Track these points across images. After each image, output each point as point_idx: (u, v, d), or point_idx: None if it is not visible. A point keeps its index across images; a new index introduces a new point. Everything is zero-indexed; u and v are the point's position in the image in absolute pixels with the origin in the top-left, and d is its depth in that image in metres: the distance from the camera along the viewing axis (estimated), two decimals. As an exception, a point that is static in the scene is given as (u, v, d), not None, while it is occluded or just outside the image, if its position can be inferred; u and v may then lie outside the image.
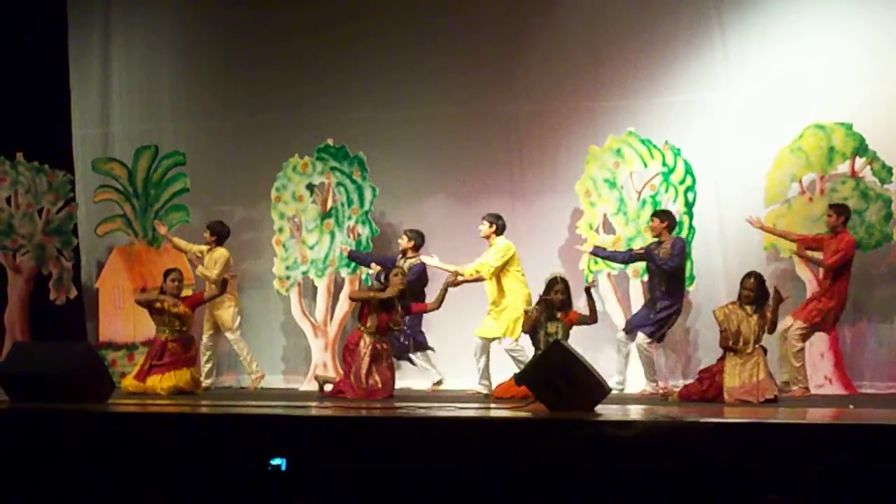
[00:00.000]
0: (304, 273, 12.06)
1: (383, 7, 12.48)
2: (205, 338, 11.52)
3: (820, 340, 10.74)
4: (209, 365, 11.60)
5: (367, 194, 11.88)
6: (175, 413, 8.34)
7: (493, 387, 10.44)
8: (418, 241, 11.21)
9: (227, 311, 11.61)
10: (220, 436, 7.16)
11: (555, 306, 10.14)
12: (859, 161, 10.85)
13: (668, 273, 10.41)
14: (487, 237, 10.78)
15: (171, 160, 12.66)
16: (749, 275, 9.74)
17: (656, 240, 10.56)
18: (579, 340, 10.32)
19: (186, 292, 11.26)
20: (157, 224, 12.25)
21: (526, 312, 10.23)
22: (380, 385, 10.23)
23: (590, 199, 11.44)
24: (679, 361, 11.47)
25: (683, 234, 11.08)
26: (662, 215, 10.62)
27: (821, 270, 10.43)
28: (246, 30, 12.90)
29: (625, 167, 11.37)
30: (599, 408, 7.59)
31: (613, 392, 9.08)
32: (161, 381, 10.62)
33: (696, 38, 11.60)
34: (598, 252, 10.78)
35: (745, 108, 11.39)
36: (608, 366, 10.61)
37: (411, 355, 11.17)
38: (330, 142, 12.00)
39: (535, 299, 10.39)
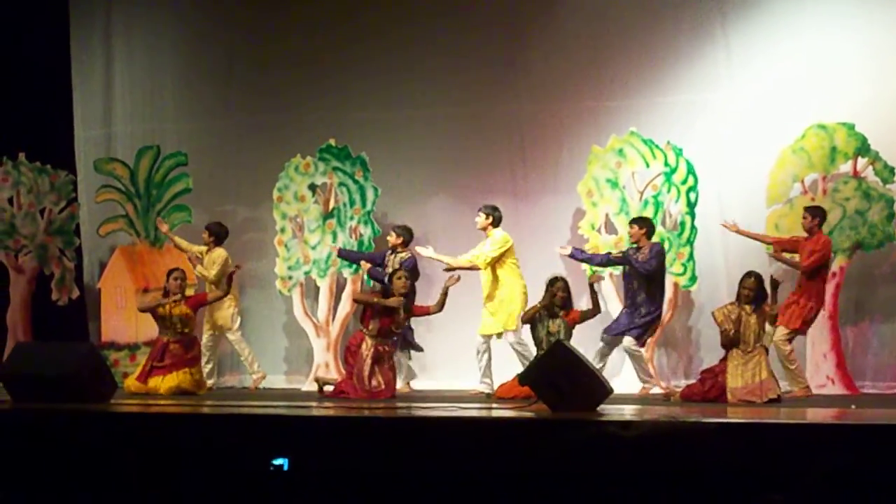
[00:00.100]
0: (307, 273, 12.06)
1: (385, 7, 12.48)
2: (204, 338, 11.52)
3: (822, 340, 10.75)
4: (209, 365, 11.59)
5: (370, 194, 11.88)
6: (177, 413, 8.35)
7: (495, 385, 10.45)
8: (407, 237, 11.19)
9: (226, 312, 11.61)
10: (222, 436, 7.16)
11: (556, 305, 10.16)
12: (861, 161, 10.85)
13: (647, 278, 10.40)
14: (484, 229, 10.79)
15: (173, 160, 12.67)
16: (749, 274, 9.74)
17: (635, 245, 10.56)
18: (581, 341, 10.33)
19: (189, 292, 11.26)
20: (158, 222, 12.25)
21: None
22: (382, 386, 10.25)
23: (592, 200, 11.44)
24: (681, 361, 11.48)
25: (685, 235, 11.10)
26: (640, 222, 10.63)
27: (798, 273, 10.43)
28: (248, 30, 12.91)
29: (627, 167, 11.37)
30: (601, 408, 7.59)
31: None
32: (163, 383, 10.62)
33: (698, 38, 11.60)
34: (576, 254, 10.76)
35: (747, 108, 11.39)
36: (610, 366, 10.62)
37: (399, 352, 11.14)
38: (332, 142, 12.01)
39: (533, 296, 10.39)
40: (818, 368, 10.77)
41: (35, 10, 13.09)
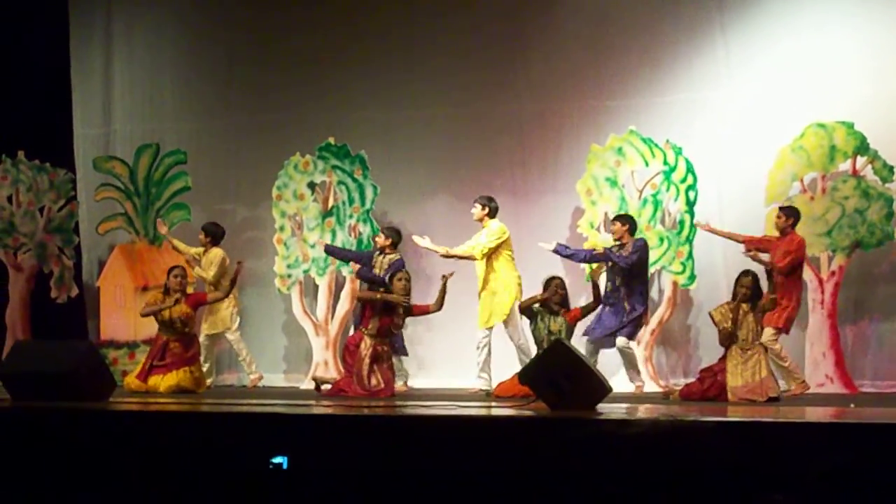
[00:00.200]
0: (306, 271, 12.07)
1: (385, 7, 12.49)
2: (202, 337, 11.51)
3: (821, 339, 10.76)
4: (206, 364, 11.57)
5: (369, 193, 11.89)
6: (176, 411, 8.33)
7: (492, 380, 10.47)
8: (395, 238, 11.20)
9: (226, 312, 11.61)
10: (221, 434, 7.15)
11: (555, 303, 10.16)
12: (860, 160, 10.85)
13: (629, 273, 10.40)
14: (480, 220, 10.80)
15: (173, 159, 12.68)
16: (745, 273, 9.75)
17: (618, 243, 10.56)
18: (581, 340, 10.36)
19: (188, 290, 11.25)
20: (158, 223, 12.25)
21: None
22: (382, 385, 10.25)
23: (591, 198, 11.44)
24: (680, 360, 11.49)
25: (684, 234, 11.11)
26: (623, 219, 10.65)
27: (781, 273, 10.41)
28: (247, 29, 12.92)
29: (626, 166, 11.37)
30: (600, 407, 7.59)
31: None
32: (162, 381, 10.62)
33: (697, 37, 11.60)
34: (560, 250, 10.74)
35: (746, 107, 11.39)
36: (609, 365, 10.63)
37: None
38: (331, 140, 12.01)
39: (530, 293, 10.40)
40: (817, 367, 10.77)
41: (35, 8, 13.10)
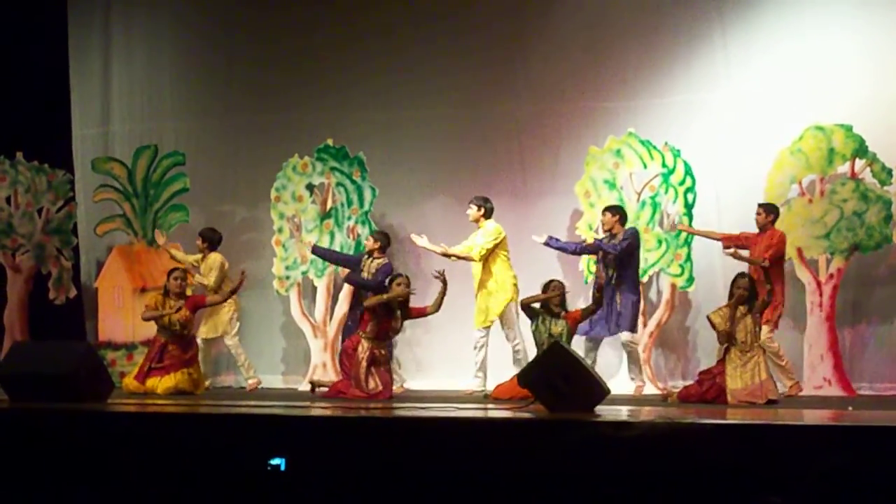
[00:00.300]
0: (304, 273, 12.06)
1: (384, 8, 12.48)
2: (199, 340, 11.48)
3: (819, 342, 10.76)
4: (203, 368, 11.55)
5: (367, 194, 11.88)
6: (174, 413, 8.34)
7: (487, 380, 10.48)
8: (384, 242, 11.21)
9: (225, 317, 11.59)
10: (219, 435, 7.15)
11: (555, 304, 10.16)
12: (859, 163, 10.85)
13: (620, 263, 10.40)
14: (476, 220, 10.81)
15: (171, 160, 12.67)
16: (742, 275, 9.77)
17: (608, 233, 10.58)
18: (581, 342, 10.36)
19: (187, 292, 11.25)
20: (157, 234, 12.27)
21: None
22: (380, 387, 10.25)
23: (589, 200, 11.44)
24: (678, 363, 11.48)
25: (683, 236, 11.11)
26: (613, 210, 10.68)
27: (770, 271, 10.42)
28: (246, 30, 12.91)
29: (624, 168, 11.37)
30: (598, 409, 7.59)
31: None
32: (160, 383, 10.62)
33: (696, 38, 11.60)
34: (551, 243, 10.76)
35: (745, 109, 11.39)
36: (608, 367, 10.62)
37: None
38: (330, 142, 12.00)
39: (526, 294, 10.40)
40: (815, 370, 10.77)
41: (34, 8, 13.09)
